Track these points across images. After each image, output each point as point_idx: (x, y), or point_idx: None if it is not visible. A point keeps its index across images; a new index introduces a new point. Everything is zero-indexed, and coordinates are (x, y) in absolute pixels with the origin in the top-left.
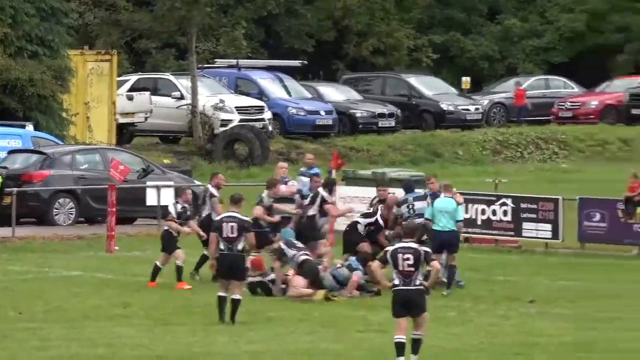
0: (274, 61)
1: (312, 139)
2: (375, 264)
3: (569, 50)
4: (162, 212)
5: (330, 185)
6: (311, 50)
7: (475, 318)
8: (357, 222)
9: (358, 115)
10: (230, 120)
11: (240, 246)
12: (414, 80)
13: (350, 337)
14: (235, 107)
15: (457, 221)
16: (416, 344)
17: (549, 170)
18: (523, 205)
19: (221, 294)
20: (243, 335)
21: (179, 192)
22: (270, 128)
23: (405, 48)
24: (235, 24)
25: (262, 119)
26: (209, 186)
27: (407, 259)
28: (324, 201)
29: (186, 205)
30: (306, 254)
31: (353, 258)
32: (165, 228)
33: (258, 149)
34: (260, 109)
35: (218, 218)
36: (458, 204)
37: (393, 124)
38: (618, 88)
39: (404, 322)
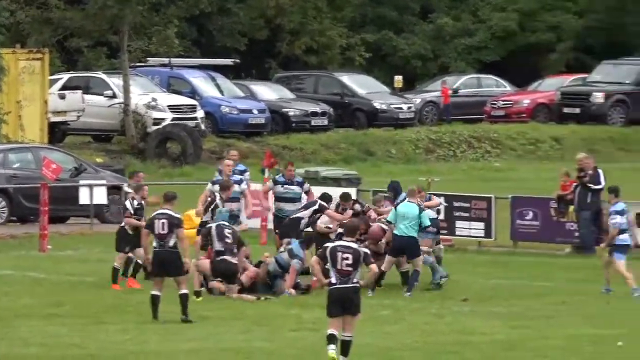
0: (207, 60)
1: (245, 138)
2: (314, 260)
3: (501, 49)
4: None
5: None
6: (244, 49)
7: (408, 316)
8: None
9: (291, 113)
10: (162, 119)
11: (171, 242)
12: (347, 79)
13: (283, 335)
14: (168, 106)
15: (426, 227)
16: (346, 346)
17: (482, 169)
18: (456, 204)
19: (154, 292)
20: (178, 333)
21: (136, 189)
22: (202, 127)
23: (337, 47)
24: (168, 22)
25: (195, 118)
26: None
27: (346, 258)
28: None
29: (142, 202)
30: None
31: (295, 242)
32: (122, 225)
33: (191, 147)
34: (192, 108)
35: (151, 215)
36: (422, 210)
37: (326, 122)
38: (550, 87)
39: (337, 321)
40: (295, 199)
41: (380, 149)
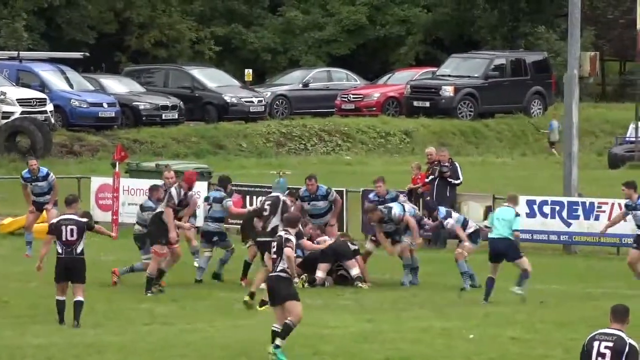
0: (56, 53)
1: (95, 132)
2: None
3: (351, 42)
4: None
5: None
6: (93, 42)
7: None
8: None
9: (141, 107)
10: (12, 113)
11: (79, 249)
12: (197, 72)
13: (135, 329)
14: (17, 99)
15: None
16: (284, 331)
17: (333, 163)
18: None
19: (59, 297)
20: (28, 328)
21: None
22: (52, 120)
23: (187, 40)
24: (16, 15)
25: (45, 111)
26: None
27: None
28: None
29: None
30: None
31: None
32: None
33: (40, 141)
34: (42, 101)
35: (55, 220)
36: (517, 214)
37: (176, 116)
38: (400, 80)
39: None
40: (322, 214)
41: (231, 143)
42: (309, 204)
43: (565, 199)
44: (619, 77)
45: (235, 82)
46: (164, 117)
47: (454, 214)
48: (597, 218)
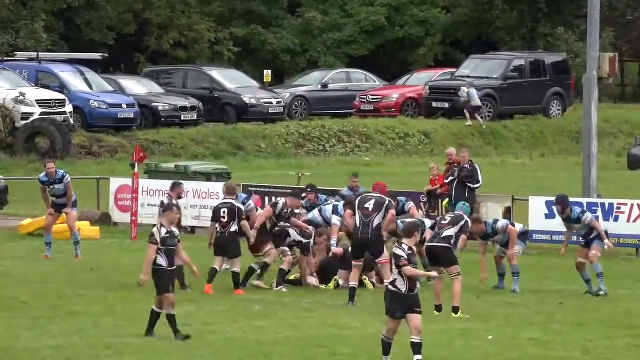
0: (75, 54)
1: (114, 132)
2: None
3: (370, 43)
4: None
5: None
6: (112, 43)
7: (279, 311)
8: None
9: (160, 108)
10: (31, 114)
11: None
12: (216, 73)
13: (155, 330)
14: (36, 100)
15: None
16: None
17: (351, 164)
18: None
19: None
20: (46, 329)
21: (173, 187)
22: (71, 121)
23: (206, 41)
24: (35, 16)
25: (64, 112)
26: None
27: None
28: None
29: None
30: None
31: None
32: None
33: (60, 142)
34: (61, 102)
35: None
36: None
37: (195, 117)
38: (418, 81)
39: None
40: None
41: (250, 144)
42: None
43: (584, 200)
44: (639, 77)
45: (254, 83)
46: (183, 118)
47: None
48: (616, 219)
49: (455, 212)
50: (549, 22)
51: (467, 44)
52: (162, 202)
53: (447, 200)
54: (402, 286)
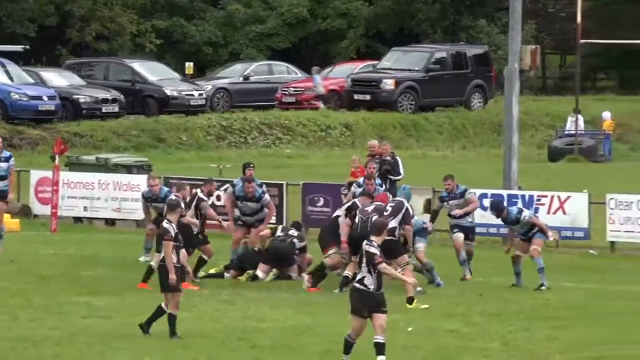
0: None
1: (35, 125)
2: None
3: (292, 35)
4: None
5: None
6: (33, 35)
7: (199, 303)
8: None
9: (81, 100)
10: None
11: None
12: (138, 65)
13: (73, 322)
14: None
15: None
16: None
17: (273, 156)
18: None
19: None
20: None
21: (178, 187)
22: None
23: (128, 33)
24: None
25: None
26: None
27: None
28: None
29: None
30: None
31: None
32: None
33: None
34: None
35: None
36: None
37: (117, 109)
38: (340, 73)
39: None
40: None
41: (172, 136)
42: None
43: (505, 192)
44: (560, 70)
45: (176, 75)
46: (104, 110)
47: (525, 211)
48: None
49: (396, 200)
50: (471, 15)
51: (389, 36)
52: (170, 199)
53: None
54: (371, 284)
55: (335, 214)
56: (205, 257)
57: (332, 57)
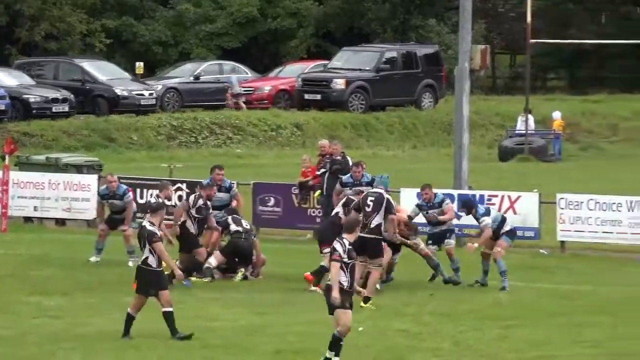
0: None
1: None
2: None
3: (242, 35)
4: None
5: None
6: None
7: (151, 303)
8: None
9: (31, 100)
10: None
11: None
12: (88, 65)
13: (24, 323)
14: None
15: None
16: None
17: (223, 155)
18: None
19: None
20: None
21: (160, 188)
22: None
23: (78, 33)
24: None
25: None
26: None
27: None
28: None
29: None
30: None
31: None
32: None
33: None
34: None
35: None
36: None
37: (67, 109)
38: (291, 73)
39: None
40: None
41: (122, 136)
42: (350, 188)
43: (455, 192)
44: (510, 70)
45: (126, 75)
46: (54, 110)
47: (492, 213)
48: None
49: (375, 191)
50: (421, 14)
51: (339, 35)
52: (150, 202)
53: (318, 191)
54: (345, 281)
55: (335, 211)
56: (200, 259)
57: (282, 56)
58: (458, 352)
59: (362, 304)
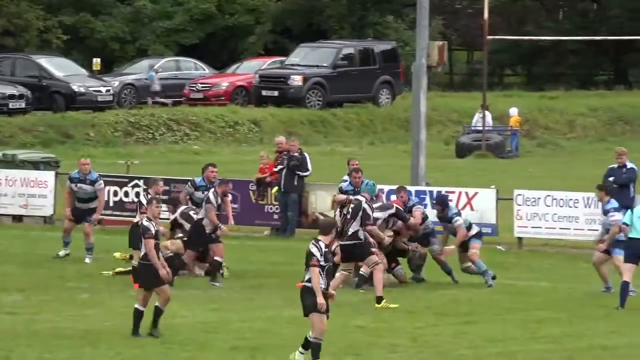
0: None
1: None
2: None
3: (200, 31)
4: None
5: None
6: None
7: (107, 300)
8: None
9: None
10: None
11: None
12: (44, 61)
13: None
14: None
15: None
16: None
17: (181, 152)
18: None
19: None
20: None
21: (150, 184)
22: None
23: (35, 29)
24: None
25: None
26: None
27: None
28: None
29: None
30: None
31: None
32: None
33: None
34: None
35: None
36: None
37: (23, 105)
38: (248, 69)
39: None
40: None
41: (79, 132)
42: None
43: (412, 188)
44: (467, 66)
45: (83, 71)
46: (10, 106)
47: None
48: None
49: (356, 198)
50: (378, 11)
51: (297, 32)
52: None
53: (276, 188)
54: (323, 284)
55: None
56: (218, 258)
57: (240, 53)
58: (416, 347)
59: (376, 305)
